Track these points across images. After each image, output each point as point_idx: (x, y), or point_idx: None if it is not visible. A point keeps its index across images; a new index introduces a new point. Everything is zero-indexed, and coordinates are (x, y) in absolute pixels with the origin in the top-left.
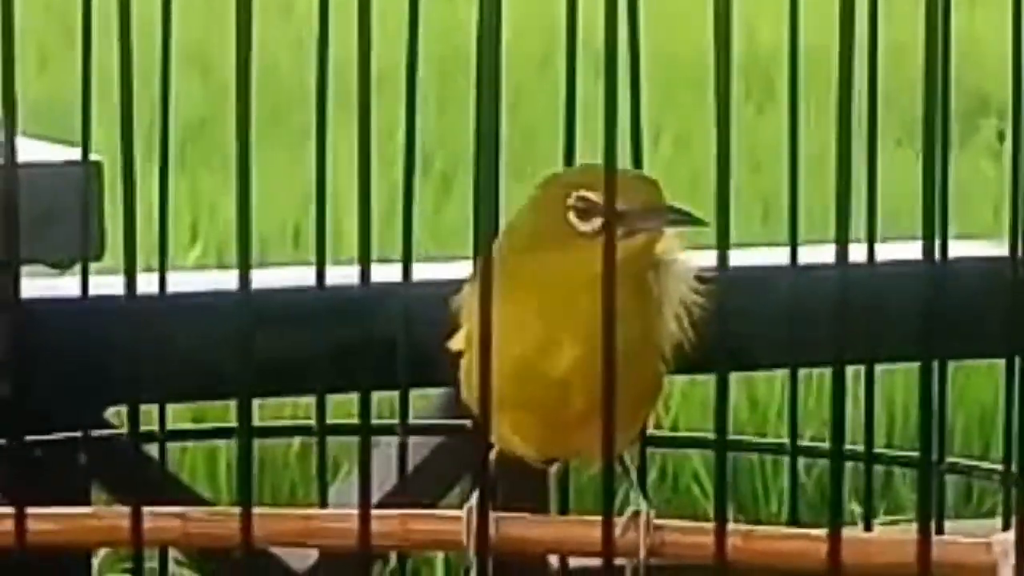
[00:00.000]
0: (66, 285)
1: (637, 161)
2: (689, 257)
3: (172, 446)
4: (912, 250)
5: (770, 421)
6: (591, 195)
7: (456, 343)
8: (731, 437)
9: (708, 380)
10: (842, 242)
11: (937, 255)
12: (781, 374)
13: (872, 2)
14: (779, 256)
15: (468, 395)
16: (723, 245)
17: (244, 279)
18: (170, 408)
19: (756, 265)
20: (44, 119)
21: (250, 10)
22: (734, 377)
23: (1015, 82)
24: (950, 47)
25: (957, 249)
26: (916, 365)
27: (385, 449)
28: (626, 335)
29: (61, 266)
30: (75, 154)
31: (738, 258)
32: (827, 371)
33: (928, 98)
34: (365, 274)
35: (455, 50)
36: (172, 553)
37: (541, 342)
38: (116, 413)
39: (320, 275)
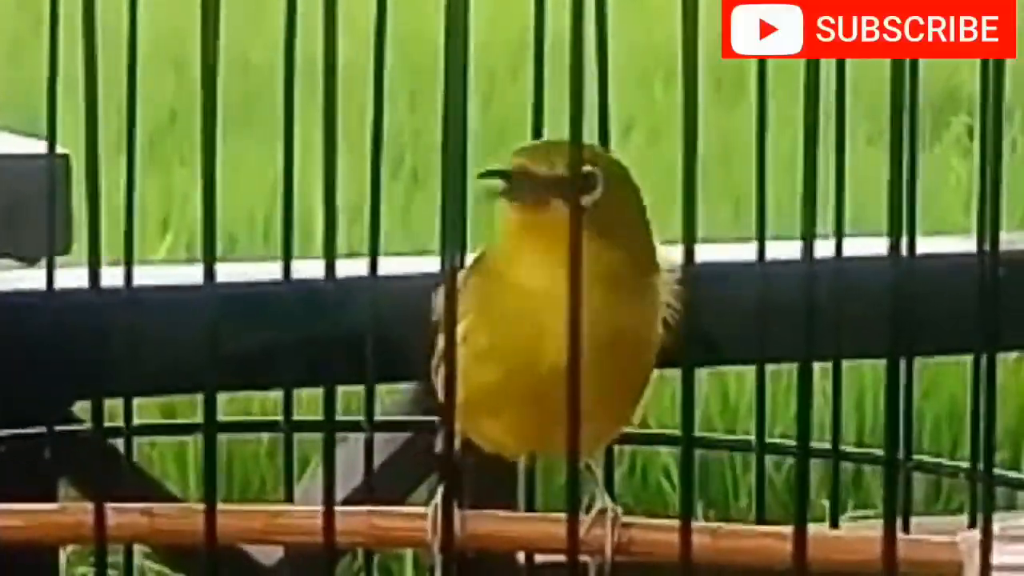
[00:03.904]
0: (32, 278)
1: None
2: (670, 257)
3: (141, 441)
4: (880, 246)
5: (741, 417)
6: (514, 164)
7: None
8: (699, 433)
9: (677, 375)
10: (808, 238)
11: (905, 251)
12: (752, 370)
13: None
14: (747, 252)
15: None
16: (689, 240)
17: (209, 272)
18: (139, 403)
19: (723, 261)
20: (13, 111)
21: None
22: (705, 373)
23: (983, 77)
24: None
25: (926, 245)
26: (885, 362)
27: (353, 445)
28: (605, 325)
29: (29, 260)
30: (42, 147)
31: (705, 253)
32: (795, 367)
33: (895, 92)
34: (331, 268)
35: (426, 46)
36: (140, 545)
37: (533, 336)
38: (84, 408)
39: (287, 269)
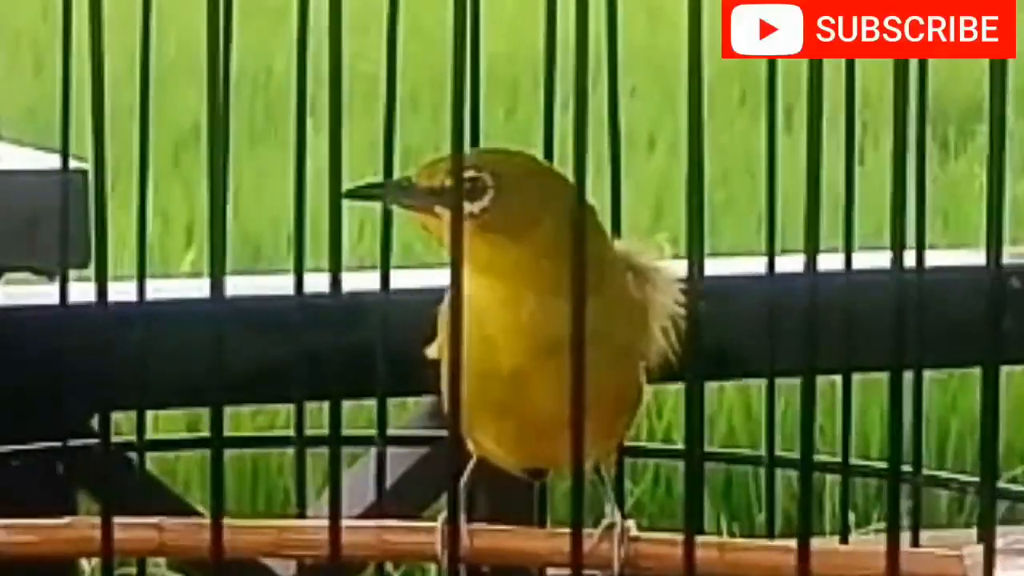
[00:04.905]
0: (49, 292)
1: (615, 163)
2: (674, 268)
3: (166, 455)
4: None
5: (765, 430)
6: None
7: (432, 351)
8: (717, 448)
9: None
10: (812, 252)
11: (914, 263)
12: (780, 383)
13: None
14: (757, 265)
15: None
16: (697, 254)
17: (217, 286)
18: (164, 416)
19: (732, 274)
20: (38, 125)
21: (230, 17)
22: (729, 386)
23: (992, 88)
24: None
25: (943, 258)
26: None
27: (372, 459)
28: (555, 327)
29: (47, 273)
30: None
31: (715, 267)
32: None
33: (897, 103)
34: (336, 282)
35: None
36: None
37: (483, 345)
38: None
39: (299, 282)
